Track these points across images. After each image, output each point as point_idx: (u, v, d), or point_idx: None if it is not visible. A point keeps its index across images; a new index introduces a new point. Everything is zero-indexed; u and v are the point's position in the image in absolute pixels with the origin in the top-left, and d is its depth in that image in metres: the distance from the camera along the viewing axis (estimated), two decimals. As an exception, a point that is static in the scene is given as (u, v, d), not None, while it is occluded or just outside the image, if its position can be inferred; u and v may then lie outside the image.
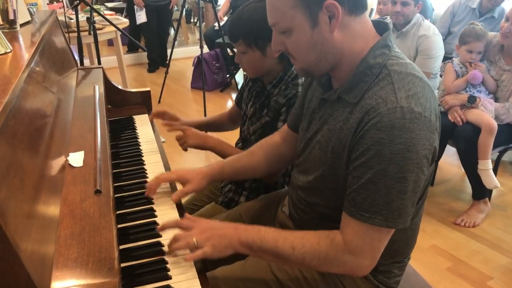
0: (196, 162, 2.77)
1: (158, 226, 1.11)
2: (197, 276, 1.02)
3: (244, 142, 1.72)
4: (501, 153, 2.76)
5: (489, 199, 2.72)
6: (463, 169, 2.76)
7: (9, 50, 1.25)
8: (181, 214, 1.24)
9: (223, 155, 1.58)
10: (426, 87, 1.00)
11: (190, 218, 1.15)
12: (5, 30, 1.48)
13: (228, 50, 4.69)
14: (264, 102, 1.59)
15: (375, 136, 0.94)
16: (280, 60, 1.52)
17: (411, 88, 0.97)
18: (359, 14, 1.00)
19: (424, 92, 0.98)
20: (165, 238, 1.12)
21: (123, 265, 1.03)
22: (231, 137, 1.90)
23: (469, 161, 2.61)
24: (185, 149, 1.60)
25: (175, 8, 6.05)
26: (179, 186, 1.36)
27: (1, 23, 1.49)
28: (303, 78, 1.54)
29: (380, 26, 1.07)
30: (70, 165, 1.17)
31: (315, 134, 1.15)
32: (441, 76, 3.00)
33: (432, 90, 1.03)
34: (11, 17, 1.49)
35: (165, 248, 1.09)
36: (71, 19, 3.40)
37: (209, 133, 1.70)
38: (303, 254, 1.03)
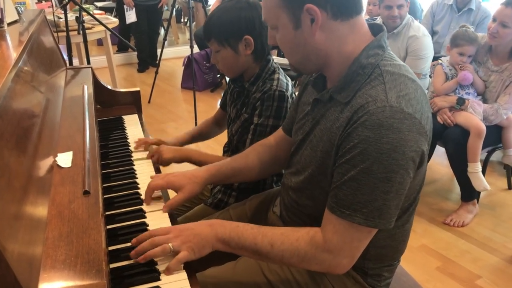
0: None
1: (132, 240, 1.06)
2: (187, 277, 1.01)
3: (229, 145, 1.72)
4: (490, 153, 2.78)
5: (478, 201, 2.74)
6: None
7: (-4, 49, 1.24)
8: (170, 215, 1.23)
9: (202, 164, 1.55)
10: (419, 90, 1.00)
11: (164, 227, 1.11)
12: (-8, 29, 1.47)
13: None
14: (244, 101, 1.59)
15: (362, 134, 0.94)
16: (255, 58, 1.53)
17: (403, 89, 0.97)
18: (347, 18, 1.00)
19: (416, 94, 0.98)
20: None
21: (112, 266, 1.02)
22: (222, 139, 1.89)
23: (458, 163, 2.63)
24: (165, 165, 1.55)
25: (165, 7, 6.03)
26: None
27: (-12, 22, 1.47)
28: (280, 72, 1.54)
29: (375, 28, 1.07)
30: (58, 165, 1.16)
31: (307, 134, 1.15)
32: (430, 76, 3.02)
33: (425, 94, 1.03)
34: (-1, 16, 1.47)
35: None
36: (60, 18, 3.39)
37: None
38: (282, 251, 1.03)
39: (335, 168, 1.02)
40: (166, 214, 1.22)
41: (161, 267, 1.03)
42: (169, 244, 1.03)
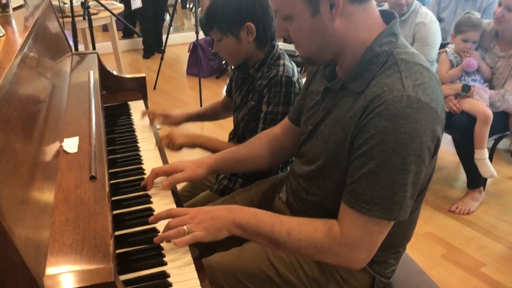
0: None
1: (150, 218, 1.09)
2: (193, 263, 1.02)
3: (235, 132, 1.72)
4: (496, 141, 2.77)
5: (484, 188, 2.73)
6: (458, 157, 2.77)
7: (1, 34, 1.23)
8: (176, 201, 1.23)
9: (214, 151, 1.56)
10: (433, 79, 0.99)
11: (182, 208, 1.13)
12: (-3, 14, 1.46)
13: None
14: (249, 88, 1.59)
15: (379, 124, 0.93)
16: (257, 45, 1.52)
17: (419, 77, 0.96)
18: (363, 2, 0.99)
19: (431, 83, 0.97)
20: (161, 224, 1.11)
21: (118, 251, 1.03)
22: (228, 126, 1.89)
23: (465, 150, 2.62)
24: (176, 150, 1.55)
25: (171, -7, 5.99)
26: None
27: (-6, 7, 1.47)
28: (286, 58, 1.53)
29: (387, 15, 1.05)
30: (64, 151, 1.16)
31: (318, 124, 1.14)
32: (437, 63, 2.99)
33: (439, 82, 1.01)
34: (4, 0, 1.46)
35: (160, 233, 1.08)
36: (65, 3, 3.37)
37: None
38: (298, 241, 1.02)
39: (352, 162, 1.00)
40: (172, 200, 1.23)
41: (167, 252, 1.04)
42: (184, 227, 1.03)
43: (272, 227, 1.04)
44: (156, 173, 1.27)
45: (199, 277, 0.98)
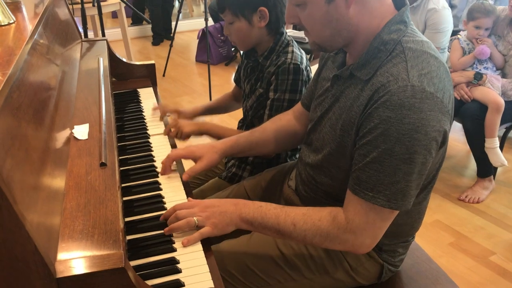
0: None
1: (161, 218, 1.10)
2: (202, 249, 1.02)
3: (244, 120, 1.72)
4: (508, 130, 2.74)
5: (494, 177, 2.72)
6: (468, 146, 2.75)
7: (12, 21, 1.24)
8: (186, 188, 1.24)
9: (221, 138, 1.56)
10: (441, 67, 0.97)
11: (188, 202, 1.13)
12: (8, 0, 1.46)
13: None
14: (258, 76, 1.58)
15: (383, 114, 0.93)
16: (269, 31, 1.51)
17: (425, 67, 0.95)
18: None
19: (438, 72, 0.96)
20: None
21: (128, 237, 1.04)
22: (237, 114, 1.89)
23: (475, 139, 2.60)
24: (184, 139, 1.56)
25: (180, -21, 5.95)
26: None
27: (4, -7, 1.47)
28: (294, 45, 1.52)
29: (398, 2, 1.04)
30: (75, 137, 1.17)
31: (326, 111, 1.14)
32: (449, 50, 2.96)
33: (448, 71, 1.00)
34: (14, -13, 1.46)
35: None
36: (75, -10, 3.36)
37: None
38: (304, 231, 1.03)
39: (356, 150, 1.00)
40: (182, 187, 1.24)
41: (176, 238, 1.04)
42: (194, 218, 1.04)
43: (277, 219, 1.05)
44: (173, 159, 1.28)
45: (208, 264, 0.99)
